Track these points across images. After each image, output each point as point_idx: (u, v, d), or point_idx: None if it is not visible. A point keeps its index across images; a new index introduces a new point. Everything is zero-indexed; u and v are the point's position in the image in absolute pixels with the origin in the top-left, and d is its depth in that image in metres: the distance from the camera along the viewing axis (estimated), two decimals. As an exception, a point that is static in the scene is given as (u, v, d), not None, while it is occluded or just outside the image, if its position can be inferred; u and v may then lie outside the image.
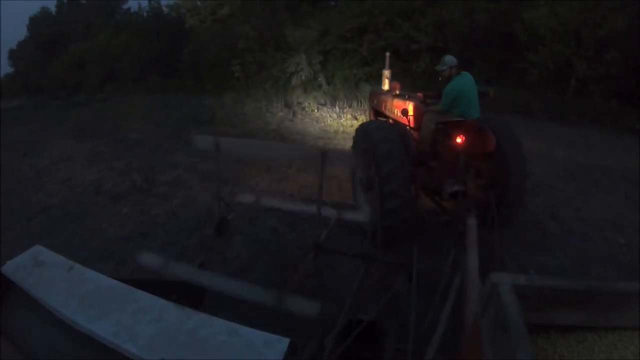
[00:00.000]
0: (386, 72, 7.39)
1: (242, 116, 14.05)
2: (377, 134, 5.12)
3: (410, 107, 5.62)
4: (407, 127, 5.68)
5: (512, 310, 1.55)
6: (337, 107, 14.32)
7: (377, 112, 7.40)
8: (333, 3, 20.49)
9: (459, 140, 4.96)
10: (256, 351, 1.87)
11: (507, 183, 5.04)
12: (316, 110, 14.44)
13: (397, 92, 6.52)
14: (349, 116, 13.24)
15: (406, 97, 6.14)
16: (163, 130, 12.80)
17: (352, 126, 11.31)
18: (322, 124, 12.91)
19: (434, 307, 3.21)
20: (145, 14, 27.00)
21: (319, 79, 17.00)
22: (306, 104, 15.20)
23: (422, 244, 3.92)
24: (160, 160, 9.21)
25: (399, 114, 5.98)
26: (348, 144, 7.00)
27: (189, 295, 3.40)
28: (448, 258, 3.48)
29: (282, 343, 1.90)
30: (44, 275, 2.41)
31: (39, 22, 34.63)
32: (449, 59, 5.17)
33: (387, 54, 7.61)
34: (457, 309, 2.54)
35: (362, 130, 5.82)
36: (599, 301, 1.75)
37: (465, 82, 5.08)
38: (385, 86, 7.31)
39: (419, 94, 6.06)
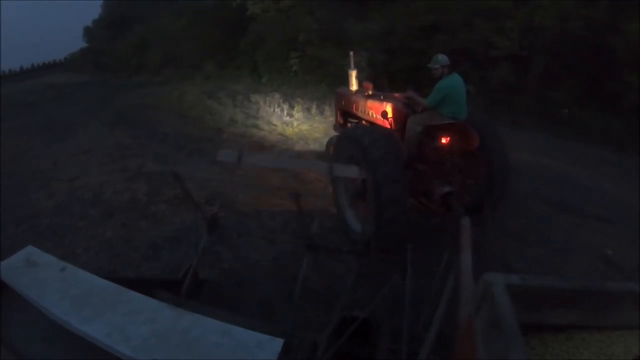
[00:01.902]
0: (353, 72, 7.09)
1: (289, 117, 12.56)
2: (366, 139, 4.96)
3: (389, 108, 5.55)
4: (391, 130, 5.51)
5: (505, 310, 1.55)
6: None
7: (346, 114, 7.14)
8: None
9: (444, 141, 4.98)
10: (249, 351, 1.87)
11: (492, 178, 5.12)
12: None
13: (370, 92, 6.30)
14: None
15: (382, 97, 6.02)
16: (197, 127, 12.01)
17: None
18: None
19: (427, 307, 3.21)
20: (207, -1, 26.39)
21: (382, 81, 14.86)
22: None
23: (416, 245, 3.92)
24: (177, 165, 8.57)
25: (376, 115, 5.89)
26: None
27: (186, 292, 3.42)
28: (441, 258, 3.48)
29: (276, 343, 1.90)
30: (36, 276, 2.40)
31: (112, 2, 35.97)
32: (442, 58, 5.16)
33: (351, 53, 7.23)
34: (451, 308, 2.54)
35: (346, 136, 5.60)
36: (591, 301, 1.76)
37: (456, 82, 5.09)
38: (354, 86, 7.04)
39: (396, 94, 6.01)
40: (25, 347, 2.18)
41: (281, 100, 13.37)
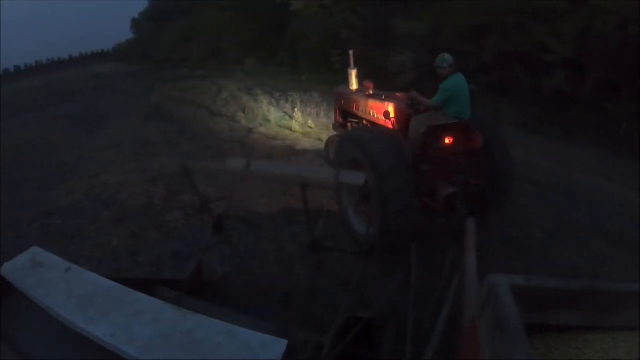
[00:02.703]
0: (353, 71, 7.03)
1: (327, 119, 11.62)
2: (370, 141, 4.93)
3: (391, 108, 5.52)
4: (396, 133, 5.46)
5: (509, 310, 1.55)
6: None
7: (346, 114, 7.09)
8: None
9: (448, 141, 4.96)
10: (253, 352, 1.87)
11: (495, 178, 5.10)
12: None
13: (371, 91, 6.26)
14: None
15: (383, 97, 5.97)
16: (229, 125, 11.78)
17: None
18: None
19: (432, 308, 3.21)
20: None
21: (427, 84, 13.46)
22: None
23: (420, 245, 3.91)
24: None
25: (377, 115, 5.85)
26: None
27: (188, 292, 3.43)
28: (446, 259, 3.48)
29: (280, 344, 1.90)
30: (41, 277, 2.41)
31: (159, -6, 36.91)
32: (449, 57, 5.15)
33: (351, 52, 7.11)
34: (455, 309, 2.54)
35: (349, 138, 5.57)
36: (596, 301, 1.75)
37: (460, 81, 5.09)
38: (354, 86, 6.98)
39: (398, 94, 5.97)
40: (31, 347, 2.19)
41: (319, 100, 12.79)
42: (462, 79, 5.11)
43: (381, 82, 12.36)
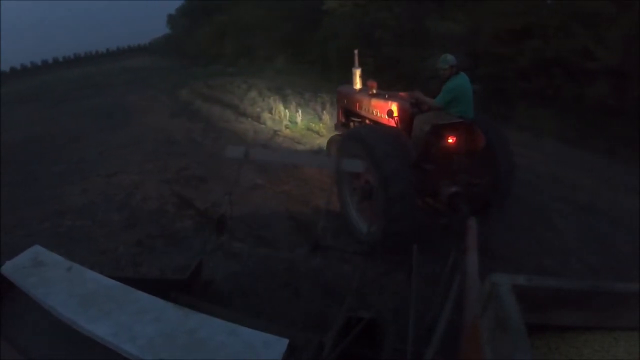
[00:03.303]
0: (357, 71, 7.04)
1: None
2: (378, 145, 4.91)
3: (395, 107, 5.52)
4: (399, 131, 5.46)
5: (511, 310, 1.55)
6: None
7: (348, 113, 7.11)
8: None
9: (451, 140, 4.97)
10: (255, 351, 1.87)
11: (498, 176, 5.12)
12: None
13: (374, 91, 6.28)
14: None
15: (387, 96, 6.00)
16: (254, 126, 11.41)
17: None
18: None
19: (433, 307, 3.21)
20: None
21: None
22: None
23: (421, 245, 3.91)
24: (215, 173, 7.84)
25: (380, 114, 5.86)
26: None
27: (188, 292, 3.43)
28: (448, 258, 3.48)
29: (281, 343, 1.91)
30: (43, 276, 2.41)
31: (196, -10, 37.67)
32: (451, 58, 5.16)
33: (356, 51, 7.04)
34: (456, 309, 2.53)
35: (352, 136, 5.59)
36: (598, 302, 1.75)
37: (464, 82, 5.10)
38: (357, 85, 6.99)
39: (401, 93, 5.99)
40: (32, 346, 2.19)
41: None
42: (466, 79, 5.12)
43: (414, 86, 11.82)
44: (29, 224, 6.26)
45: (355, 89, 6.90)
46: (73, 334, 2.08)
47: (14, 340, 2.19)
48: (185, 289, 3.42)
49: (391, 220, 4.66)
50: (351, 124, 6.98)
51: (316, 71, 17.86)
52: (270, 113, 12.09)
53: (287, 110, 12.03)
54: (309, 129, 10.78)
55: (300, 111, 11.77)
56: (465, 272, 2.18)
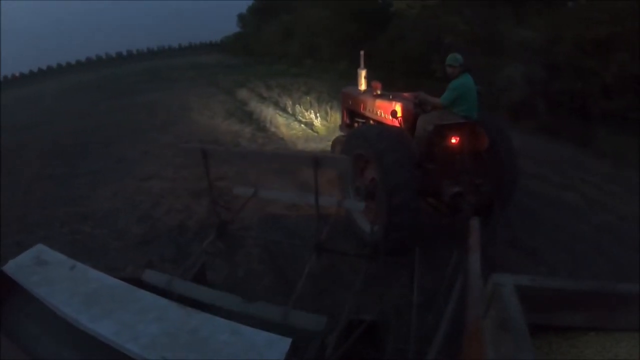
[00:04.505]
0: (362, 72, 7.02)
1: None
2: (380, 141, 4.93)
3: (399, 108, 5.54)
4: (402, 130, 5.50)
5: (514, 311, 1.55)
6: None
7: (353, 114, 7.14)
8: (571, 2, 13.89)
9: (454, 141, 4.97)
10: (258, 351, 1.87)
11: (502, 177, 5.12)
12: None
13: (378, 92, 6.29)
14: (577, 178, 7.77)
15: (391, 97, 6.00)
16: (306, 134, 10.83)
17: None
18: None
19: (436, 308, 3.21)
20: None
21: (538, 104, 10.89)
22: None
23: (424, 245, 3.91)
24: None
25: (384, 115, 5.88)
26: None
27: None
28: (450, 259, 3.48)
29: (284, 343, 1.91)
30: (46, 274, 2.42)
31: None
32: (460, 57, 5.18)
33: (362, 52, 7.05)
34: (459, 309, 2.53)
35: (356, 135, 5.63)
36: (600, 303, 1.75)
37: (468, 82, 5.11)
38: (362, 86, 6.99)
39: (405, 94, 6.00)
40: (35, 345, 2.20)
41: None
42: (470, 79, 5.14)
43: (484, 98, 9.91)
44: (51, 225, 6.30)
45: (360, 90, 6.91)
46: (76, 333, 2.08)
47: (17, 338, 2.19)
48: None
49: (392, 213, 4.67)
50: (355, 124, 7.01)
51: (381, 76, 16.33)
52: (326, 120, 11.55)
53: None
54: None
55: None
56: (467, 272, 2.18)
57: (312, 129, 11.13)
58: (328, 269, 4.72)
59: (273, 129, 11.29)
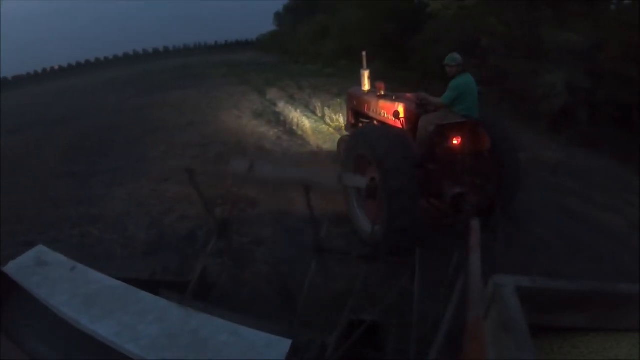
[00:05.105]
0: (365, 72, 7.09)
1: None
2: (381, 143, 4.93)
3: (401, 108, 5.55)
4: (404, 131, 5.52)
5: (514, 311, 1.55)
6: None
7: (357, 114, 7.18)
8: (614, 5, 13.04)
9: (456, 141, 4.98)
10: (258, 351, 1.87)
11: (503, 179, 5.13)
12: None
13: (382, 92, 6.33)
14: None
15: (394, 97, 6.03)
16: (334, 141, 10.05)
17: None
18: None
19: (436, 308, 3.20)
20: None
21: (580, 114, 10.12)
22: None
23: (425, 246, 3.90)
24: (271, 198, 6.80)
25: (387, 115, 5.89)
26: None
27: (194, 293, 3.43)
28: (451, 259, 3.47)
29: (284, 344, 1.90)
30: (46, 275, 2.42)
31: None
32: (458, 57, 5.19)
33: (363, 53, 7.16)
34: (459, 310, 2.53)
35: (357, 135, 5.67)
36: (601, 303, 1.75)
37: (469, 81, 5.12)
38: (366, 86, 7.05)
39: (407, 95, 6.02)
40: (35, 345, 2.20)
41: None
42: (471, 79, 5.15)
43: (523, 106, 10.49)
44: (63, 226, 6.27)
45: (364, 91, 6.97)
46: (76, 334, 2.08)
47: (17, 339, 2.19)
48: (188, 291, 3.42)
49: (393, 222, 4.68)
50: (360, 125, 7.04)
51: (415, 78, 16.15)
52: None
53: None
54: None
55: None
56: (468, 273, 2.18)
57: (340, 134, 10.50)
58: (328, 269, 4.72)
59: (300, 132, 11.00)
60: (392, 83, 15.09)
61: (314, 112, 12.77)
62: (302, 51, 28.58)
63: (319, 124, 11.73)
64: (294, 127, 11.42)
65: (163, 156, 9.39)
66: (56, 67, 36.88)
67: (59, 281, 2.37)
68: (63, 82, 27.15)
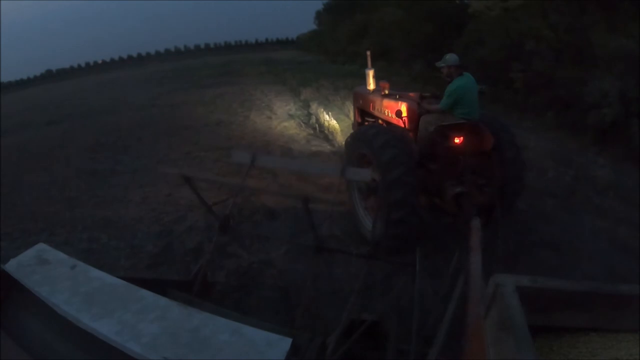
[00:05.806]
0: (370, 71, 7.12)
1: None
2: (378, 139, 5.01)
3: (404, 108, 5.57)
4: (405, 130, 5.57)
5: (515, 311, 1.55)
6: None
7: (363, 113, 7.28)
8: None
9: (457, 141, 4.98)
10: (258, 350, 1.87)
11: (507, 177, 5.13)
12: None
13: (386, 91, 6.33)
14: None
15: (397, 97, 6.05)
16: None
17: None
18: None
19: (437, 308, 3.21)
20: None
21: (632, 127, 9.01)
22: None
23: (426, 245, 3.91)
24: (291, 208, 6.44)
25: (391, 114, 5.92)
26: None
27: (195, 292, 3.44)
28: (452, 259, 3.48)
29: (285, 342, 1.90)
30: (47, 273, 2.42)
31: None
32: (451, 57, 5.17)
33: (368, 52, 7.25)
34: (460, 309, 2.53)
35: (359, 134, 5.70)
36: (601, 303, 1.75)
37: (467, 83, 5.10)
38: (371, 86, 7.08)
39: (412, 94, 6.04)
40: (36, 344, 2.20)
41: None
42: (470, 79, 5.13)
43: (569, 115, 9.64)
44: (74, 228, 6.31)
45: (369, 90, 7.02)
46: (76, 332, 2.08)
47: (17, 337, 2.19)
48: (189, 290, 3.42)
49: (392, 214, 4.73)
50: (366, 123, 7.12)
51: None
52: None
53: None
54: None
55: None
56: (468, 272, 2.18)
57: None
58: (328, 268, 4.73)
59: (330, 136, 10.70)
60: (430, 86, 14.84)
61: (347, 116, 12.15)
62: (341, 51, 28.86)
63: (351, 129, 11.40)
64: (325, 131, 11.12)
65: (185, 157, 9.42)
66: (100, 61, 38.07)
67: (60, 279, 2.37)
68: (105, 75, 27.48)
